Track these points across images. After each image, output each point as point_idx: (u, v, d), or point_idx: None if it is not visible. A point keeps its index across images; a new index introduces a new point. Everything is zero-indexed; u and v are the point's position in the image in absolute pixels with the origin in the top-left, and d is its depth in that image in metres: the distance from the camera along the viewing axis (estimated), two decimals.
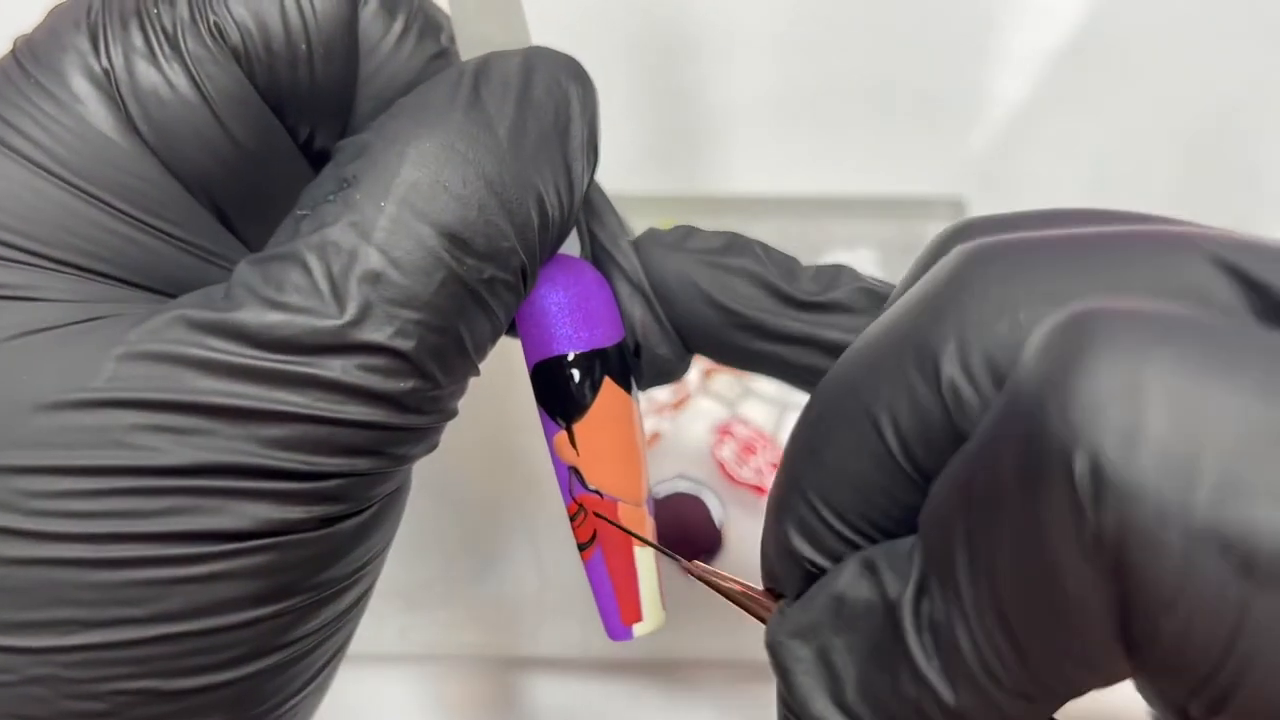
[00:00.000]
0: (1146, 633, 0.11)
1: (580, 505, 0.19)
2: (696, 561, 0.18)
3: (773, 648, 0.15)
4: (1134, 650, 0.11)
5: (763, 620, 0.16)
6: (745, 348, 0.19)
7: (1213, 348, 0.11)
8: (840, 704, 0.14)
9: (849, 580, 0.14)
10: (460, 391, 0.18)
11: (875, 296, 0.19)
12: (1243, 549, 0.10)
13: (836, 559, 0.15)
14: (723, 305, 0.19)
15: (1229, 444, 0.10)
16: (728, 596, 0.17)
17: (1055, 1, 0.40)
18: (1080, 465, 0.11)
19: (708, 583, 0.17)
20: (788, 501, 0.15)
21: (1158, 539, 0.10)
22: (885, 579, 0.14)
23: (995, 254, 0.14)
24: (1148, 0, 0.40)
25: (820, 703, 0.14)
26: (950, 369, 0.13)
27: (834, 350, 0.18)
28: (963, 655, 0.12)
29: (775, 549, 0.16)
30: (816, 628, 0.15)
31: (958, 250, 0.14)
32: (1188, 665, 0.11)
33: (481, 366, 0.18)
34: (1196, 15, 0.41)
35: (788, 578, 0.16)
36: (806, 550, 0.15)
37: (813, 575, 0.15)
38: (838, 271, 0.19)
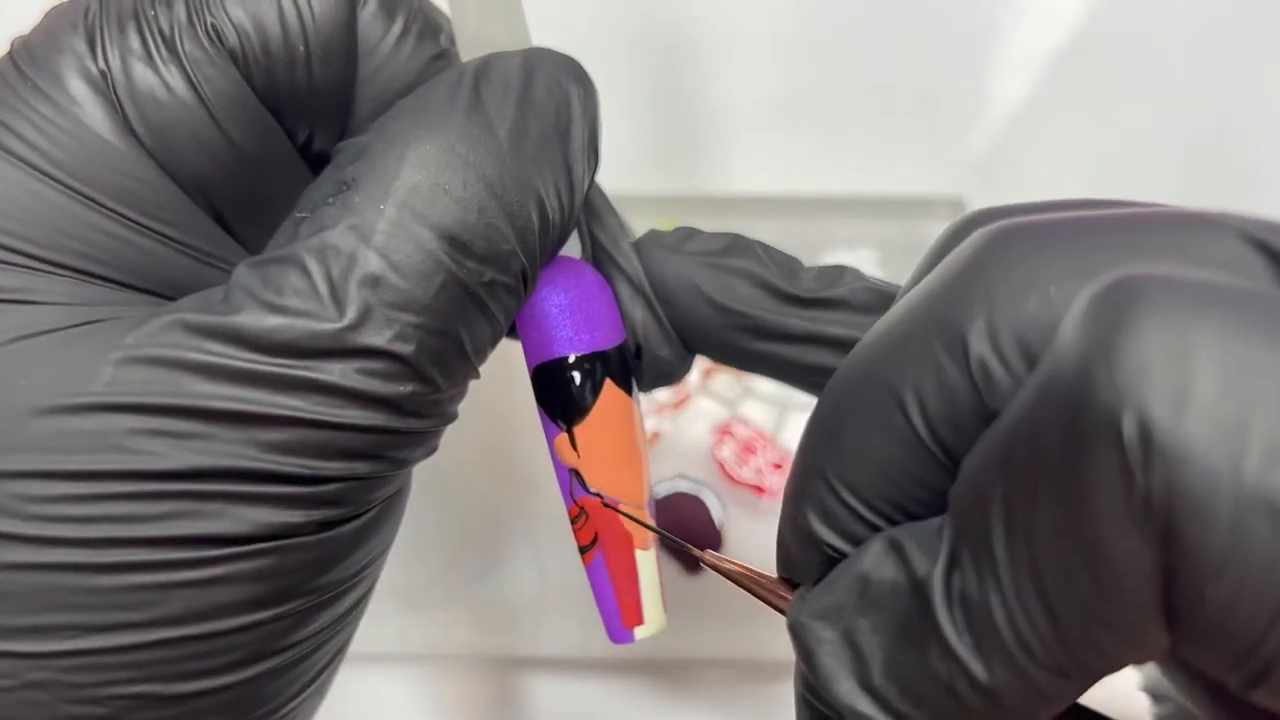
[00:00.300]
0: (1192, 601, 0.11)
1: (581, 508, 0.19)
2: (709, 551, 0.18)
3: (795, 629, 0.15)
4: (1176, 620, 0.11)
5: (778, 609, 0.16)
6: (747, 349, 0.19)
7: (1258, 313, 0.11)
8: (866, 686, 0.14)
9: (874, 560, 0.14)
10: (460, 395, 0.18)
11: (879, 294, 0.19)
12: None
13: (857, 543, 0.15)
14: (724, 306, 0.19)
15: (1278, 409, 0.10)
16: (741, 585, 0.17)
17: (1055, 1, 0.40)
18: (1129, 427, 0.10)
19: (721, 571, 0.17)
20: (807, 486, 0.15)
21: (1207, 503, 0.10)
22: (912, 557, 0.14)
23: (1019, 233, 0.14)
24: (1148, 0, 0.40)
25: (845, 685, 0.14)
26: (979, 347, 0.13)
27: (837, 346, 0.18)
28: (997, 629, 0.12)
29: (793, 534, 0.16)
30: (840, 609, 0.14)
31: (979, 233, 0.14)
32: (1232, 636, 0.11)
33: (481, 369, 0.18)
34: (1196, 15, 0.40)
35: (806, 564, 0.16)
36: (826, 534, 0.15)
37: (832, 561, 0.15)
38: (840, 271, 0.19)
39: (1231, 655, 0.11)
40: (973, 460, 0.13)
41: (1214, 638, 0.11)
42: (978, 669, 0.13)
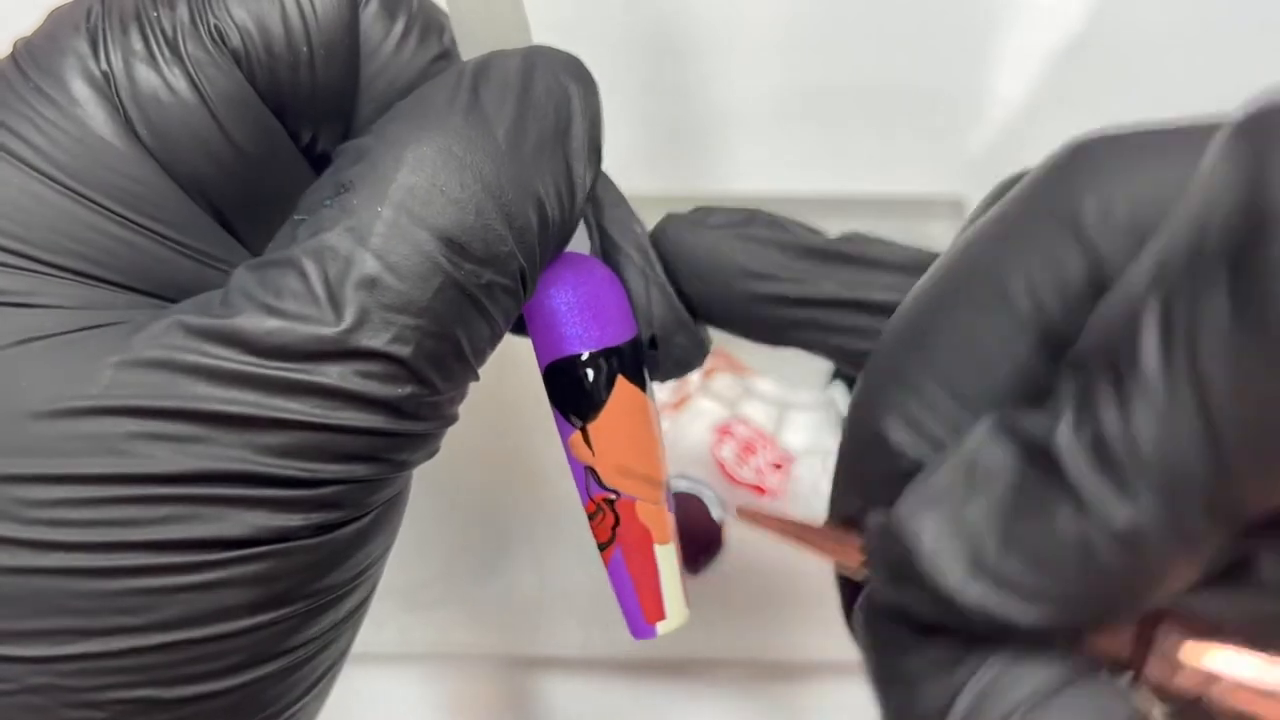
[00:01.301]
0: None
1: (598, 505, 0.19)
2: (742, 505, 0.17)
3: (886, 529, 0.14)
4: None
5: (827, 555, 0.16)
6: (783, 317, 0.19)
7: None
8: (983, 568, 0.13)
9: (978, 442, 0.14)
10: (460, 397, 0.18)
11: (909, 252, 0.19)
12: None
13: (940, 449, 0.15)
14: (759, 273, 0.19)
15: None
16: (788, 535, 0.16)
17: (1055, 1, 0.40)
18: None
19: (761, 524, 0.17)
20: (886, 397, 0.15)
21: None
22: (1028, 426, 0.13)
23: (1113, 133, 0.14)
24: (1148, 0, 0.40)
25: (956, 572, 0.14)
26: (1092, 219, 0.13)
27: (874, 309, 0.18)
28: (1142, 457, 0.12)
29: (869, 451, 0.15)
30: (943, 498, 0.14)
31: (1070, 140, 0.14)
32: None
33: (481, 369, 0.18)
34: (1196, 15, 0.40)
35: (882, 481, 0.15)
36: (910, 441, 0.15)
37: (907, 476, 0.15)
38: (863, 235, 0.19)
39: None
40: (1104, 307, 0.13)
41: None
42: (1118, 511, 0.12)
